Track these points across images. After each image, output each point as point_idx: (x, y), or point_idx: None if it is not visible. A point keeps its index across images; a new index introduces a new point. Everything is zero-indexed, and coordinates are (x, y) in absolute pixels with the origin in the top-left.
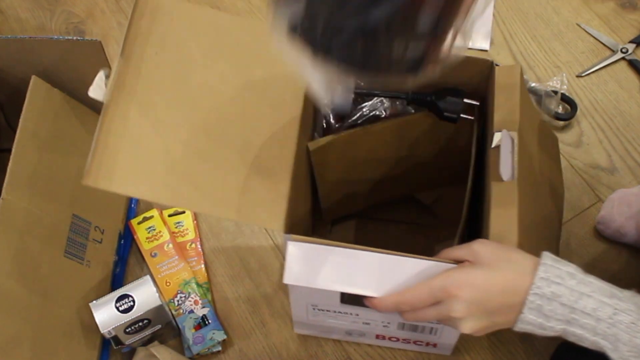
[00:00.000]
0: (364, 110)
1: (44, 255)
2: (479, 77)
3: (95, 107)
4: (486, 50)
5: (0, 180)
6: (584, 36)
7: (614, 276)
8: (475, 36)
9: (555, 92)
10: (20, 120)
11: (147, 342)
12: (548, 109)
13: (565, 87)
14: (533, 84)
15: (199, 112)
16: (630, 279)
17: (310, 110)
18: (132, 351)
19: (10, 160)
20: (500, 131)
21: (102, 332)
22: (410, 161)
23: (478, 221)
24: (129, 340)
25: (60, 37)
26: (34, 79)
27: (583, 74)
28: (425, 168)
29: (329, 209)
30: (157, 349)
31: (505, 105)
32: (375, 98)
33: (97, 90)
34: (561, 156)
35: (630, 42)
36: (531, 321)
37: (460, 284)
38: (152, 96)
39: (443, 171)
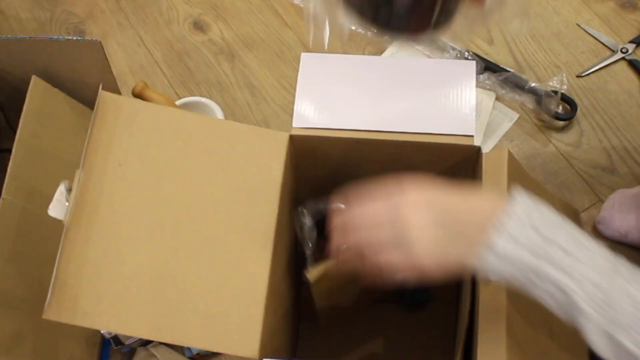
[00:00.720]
0: None
1: (44, 255)
2: (465, 163)
3: None
4: (472, 136)
5: (0, 180)
6: (584, 36)
7: None
8: (459, 122)
9: (555, 92)
10: (20, 120)
11: (147, 342)
12: (548, 109)
13: (565, 87)
14: (533, 84)
15: (166, 230)
16: None
17: (286, 216)
18: (132, 351)
19: (10, 160)
20: None
21: (102, 332)
22: None
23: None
24: (129, 340)
25: (60, 37)
26: (34, 79)
27: (583, 74)
28: None
29: (326, 320)
30: (157, 349)
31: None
32: None
33: (57, 207)
34: (561, 156)
35: (630, 42)
36: (501, 251)
37: (418, 192)
38: (115, 215)
39: None
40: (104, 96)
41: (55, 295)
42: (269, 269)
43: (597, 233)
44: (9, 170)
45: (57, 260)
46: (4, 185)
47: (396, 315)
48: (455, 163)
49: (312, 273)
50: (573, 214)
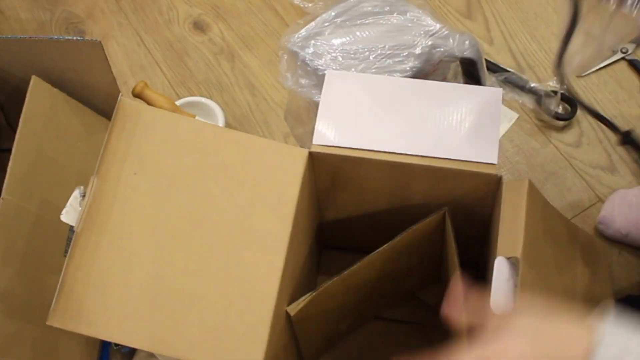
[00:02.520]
0: None
1: (44, 255)
2: (485, 189)
3: (95, 107)
4: (494, 164)
5: (0, 180)
6: None
7: (614, 276)
8: (480, 150)
9: (555, 92)
10: (20, 120)
11: None
12: (548, 109)
13: (565, 87)
14: (533, 84)
15: (176, 243)
16: (631, 279)
17: (301, 235)
18: (132, 351)
19: (10, 160)
20: (503, 257)
21: None
22: (402, 279)
23: None
24: None
25: (60, 37)
26: (34, 79)
27: (583, 74)
28: (417, 274)
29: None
30: None
31: (510, 226)
32: None
33: (70, 213)
34: (561, 156)
35: (631, 42)
36: None
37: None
38: (126, 225)
39: (439, 272)
40: (123, 103)
41: (60, 302)
42: (277, 288)
43: (598, 233)
44: (9, 170)
45: (64, 267)
46: (4, 186)
47: (412, 336)
48: (475, 189)
49: (293, 306)
50: (598, 246)
